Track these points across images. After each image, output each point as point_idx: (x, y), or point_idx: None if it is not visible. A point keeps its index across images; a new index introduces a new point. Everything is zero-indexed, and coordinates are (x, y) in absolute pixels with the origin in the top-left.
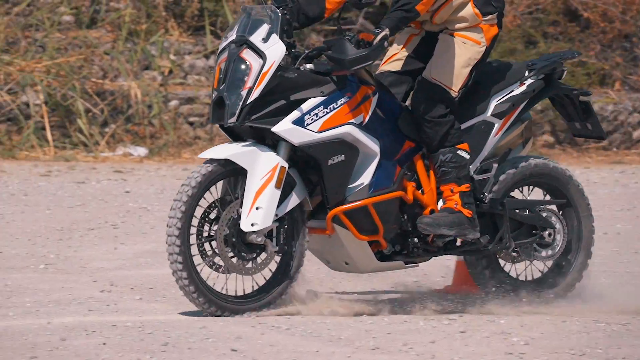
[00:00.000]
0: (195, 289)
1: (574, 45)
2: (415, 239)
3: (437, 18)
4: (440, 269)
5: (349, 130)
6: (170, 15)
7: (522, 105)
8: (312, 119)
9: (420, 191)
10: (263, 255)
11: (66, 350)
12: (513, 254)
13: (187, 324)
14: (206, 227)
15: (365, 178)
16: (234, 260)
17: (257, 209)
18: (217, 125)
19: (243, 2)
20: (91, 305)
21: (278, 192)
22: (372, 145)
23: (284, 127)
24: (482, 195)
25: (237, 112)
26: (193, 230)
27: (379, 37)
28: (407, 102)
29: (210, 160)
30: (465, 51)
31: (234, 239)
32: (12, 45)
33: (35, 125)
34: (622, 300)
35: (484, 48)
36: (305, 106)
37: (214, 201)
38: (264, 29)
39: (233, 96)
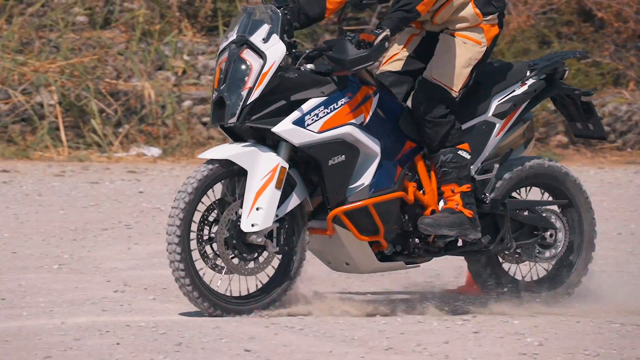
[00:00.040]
0: (200, 294)
1: (588, 45)
2: (416, 240)
3: (438, 18)
4: (453, 270)
5: (350, 130)
6: (183, 16)
7: (523, 106)
8: (312, 120)
9: (421, 191)
10: (264, 255)
11: (80, 350)
12: (515, 255)
13: (201, 324)
14: (206, 231)
15: (366, 178)
16: (235, 261)
17: (257, 209)
18: None
19: (256, 2)
20: (105, 305)
21: (278, 193)
22: (372, 145)
23: (285, 128)
24: (483, 196)
25: (238, 112)
26: (192, 233)
27: (379, 38)
28: (408, 102)
29: (210, 161)
30: (465, 51)
31: (234, 241)
32: (26, 45)
33: (49, 125)
34: (637, 301)
35: (484, 48)
36: (306, 106)
37: (212, 203)
38: (264, 29)
39: (233, 96)
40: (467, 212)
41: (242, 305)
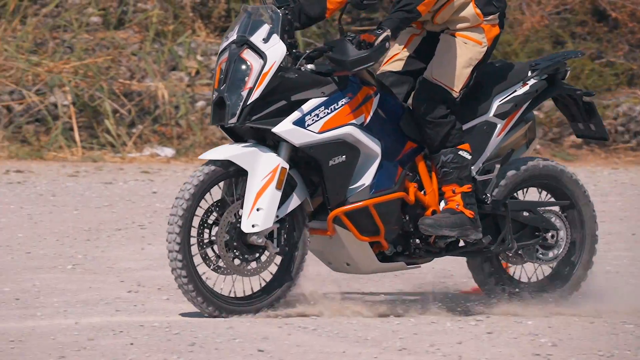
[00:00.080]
0: (204, 299)
1: (602, 46)
2: (417, 240)
3: (439, 18)
4: (467, 270)
5: (350, 131)
6: (197, 16)
7: (525, 106)
8: (312, 120)
9: (422, 192)
10: (265, 256)
11: (94, 350)
12: (517, 255)
13: (214, 324)
14: (206, 234)
15: (367, 179)
16: (236, 262)
17: (257, 210)
18: None
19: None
20: (118, 305)
21: (279, 193)
22: (373, 146)
23: (285, 128)
24: (484, 196)
25: (238, 112)
26: (193, 236)
27: (380, 38)
28: (409, 103)
29: (208, 163)
30: (466, 51)
31: (234, 244)
32: (40, 46)
33: (63, 126)
34: None
35: (485, 48)
36: (306, 107)
37: (210, 206)
38: (265, 29)
39: (234, 96)
40: (468, 213)
41: (245, 305)
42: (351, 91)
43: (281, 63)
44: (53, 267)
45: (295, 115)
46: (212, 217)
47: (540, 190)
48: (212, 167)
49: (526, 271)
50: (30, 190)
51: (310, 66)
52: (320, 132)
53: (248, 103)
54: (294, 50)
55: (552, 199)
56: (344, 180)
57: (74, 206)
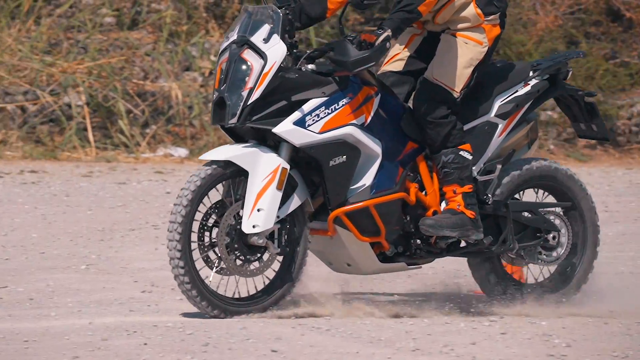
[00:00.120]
0: (208, 303)
1: (616, 46)
2: (418, 241)
3: (439, 18)
4: None
5: (351, 131)
6: (210, 17)
7: (526, 106)
8: (313, 120)
9: (423, 192)
10: (266, 256)
11: (107, 350)
12: (518, 256)
13: (228, 324)
14: (206, 237)
15: (367, 179)
16: (237, 262)
17: (258, 210)
18: None
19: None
20: (132, 305)
21: (279, 194)
22: (374, 146)
23: (285, 128)
24: (485, 197)
25: (238, 112)
26: (193, 241)
27: (381, 39)
28: (410, 103)
29: (206, 165)
30: (467, 51)
31: (235, 245)
32: (54, 46)
33: (77, 126)
34: None
35: (486, 48)
36: (307, 107)
37: (209, 208)
38: (265, 29)
39: (234, 97)
40: (469, 213)
41: (249, 306)
42: (352, 91)
43: (282, 63)
44: (67, 267)
45: (296, 115)
46: (212, 220)
47: (537, 190)
48: (209, 171)
49: (532, 272)
50: (44, 190)
51: (310, 66)
52: (320, 133)
53: (248, 103)
54: (294, 50)
55: (552, 199)
56: (344, 181)
57: (88, 206)
